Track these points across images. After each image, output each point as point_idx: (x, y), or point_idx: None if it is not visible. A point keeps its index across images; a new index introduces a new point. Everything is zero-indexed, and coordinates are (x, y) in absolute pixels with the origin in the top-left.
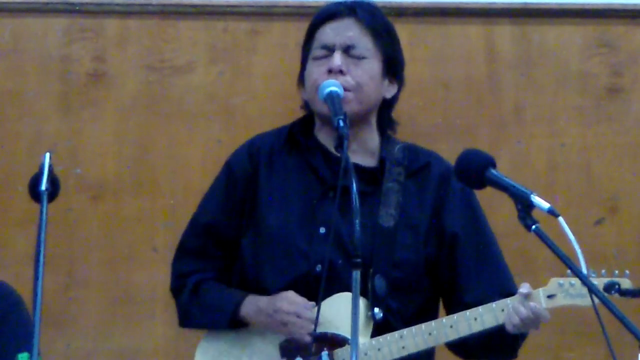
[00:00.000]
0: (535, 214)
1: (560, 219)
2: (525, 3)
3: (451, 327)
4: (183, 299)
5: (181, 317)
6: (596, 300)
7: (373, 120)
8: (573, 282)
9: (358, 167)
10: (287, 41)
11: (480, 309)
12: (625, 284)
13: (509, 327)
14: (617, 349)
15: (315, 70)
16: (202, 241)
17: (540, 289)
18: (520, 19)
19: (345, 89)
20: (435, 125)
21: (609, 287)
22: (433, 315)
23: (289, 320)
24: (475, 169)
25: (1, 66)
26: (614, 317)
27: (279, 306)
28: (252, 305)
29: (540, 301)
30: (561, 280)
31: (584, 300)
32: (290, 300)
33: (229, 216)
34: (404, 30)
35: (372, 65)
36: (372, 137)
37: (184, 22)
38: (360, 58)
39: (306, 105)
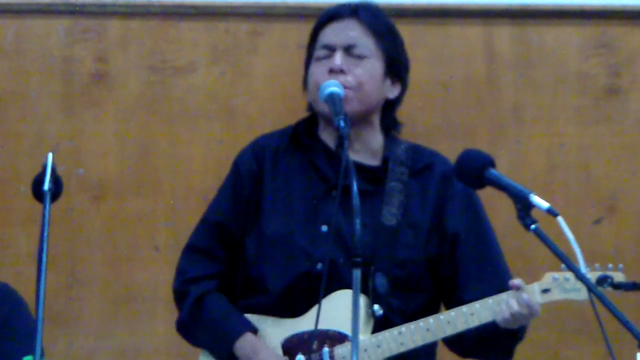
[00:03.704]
0: (534, 213)
1: (559, 218)
2: (525, 4)
3: (448, 322)
4: (184, 310)
5: (179, 327)
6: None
7: (376, 120)
8: (567, 276)
9: (361, 166)
10: (287, 42)
11: (477, 304)
12: (618, 277)
13: (498, 320)
14: (617, 347)
15: (316, 70)
16: (212, 241)
17: (535, 284)
18: (520, 19)
19: (346, 88)
20: (435, 125)
21: (602, 281)
22: (434, 314)
23: None
24: (475, 169)
25: (4, 67)
26: (611, 313)
27: None
28: (250, 349)
29: (535, 295)
30: (556, 274)
31: (579, 294)
32: None
33: (237, 216)
34: (404, 31)
35: (374, 65)
36: (375, 137)
37: (185, 23)
38: (361, 57)
39: (310, 107)
